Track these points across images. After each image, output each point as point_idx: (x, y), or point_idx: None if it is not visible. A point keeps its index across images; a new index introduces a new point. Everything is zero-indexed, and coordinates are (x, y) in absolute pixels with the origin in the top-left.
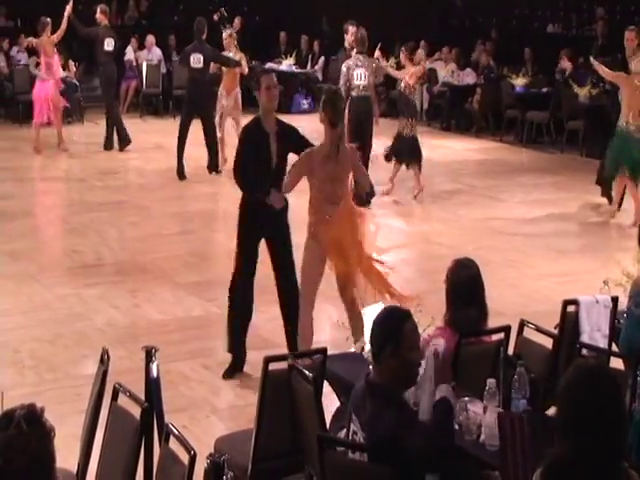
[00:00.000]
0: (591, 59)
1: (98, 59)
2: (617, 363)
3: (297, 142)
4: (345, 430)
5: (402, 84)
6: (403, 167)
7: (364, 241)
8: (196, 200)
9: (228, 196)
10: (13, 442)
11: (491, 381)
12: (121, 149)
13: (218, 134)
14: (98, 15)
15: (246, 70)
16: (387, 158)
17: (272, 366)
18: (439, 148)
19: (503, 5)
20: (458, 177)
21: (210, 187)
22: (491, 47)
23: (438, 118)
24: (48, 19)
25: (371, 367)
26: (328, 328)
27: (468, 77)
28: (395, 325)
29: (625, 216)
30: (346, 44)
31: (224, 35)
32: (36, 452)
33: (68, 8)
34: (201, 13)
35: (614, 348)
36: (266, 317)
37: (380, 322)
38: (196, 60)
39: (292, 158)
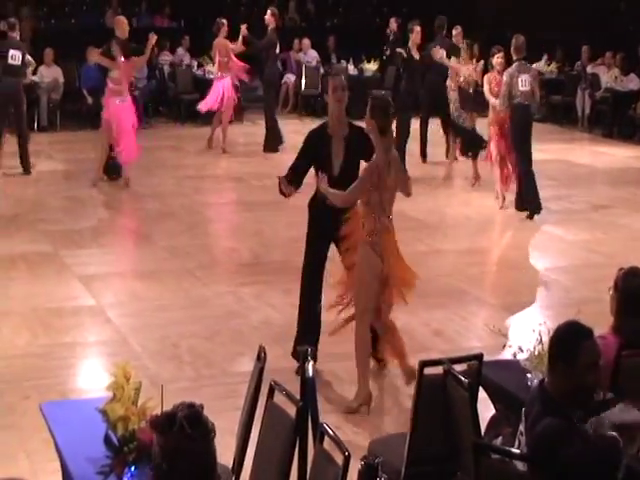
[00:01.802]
0: None
1: (263, 61)
2: None
3: (365, 148)
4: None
5: (461, 79)
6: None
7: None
8: None
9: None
10: (177, 446)
11: None
12: (272, 150)
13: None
14: (268, 17)
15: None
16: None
17: (427, 370)
18: (601, 155)
19: None
20: (620, 185)
21: None
22: None
23: (600, 124)
24: (224, 20)
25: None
26: (484, 334)
27: (632, 83)
28: (572, 342)
29: None
30: (410, 43)
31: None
32: (199, 453)
33: (243, 28)
34: (360, 15)
35: None
36: (420, 321)
37: (558, 335)
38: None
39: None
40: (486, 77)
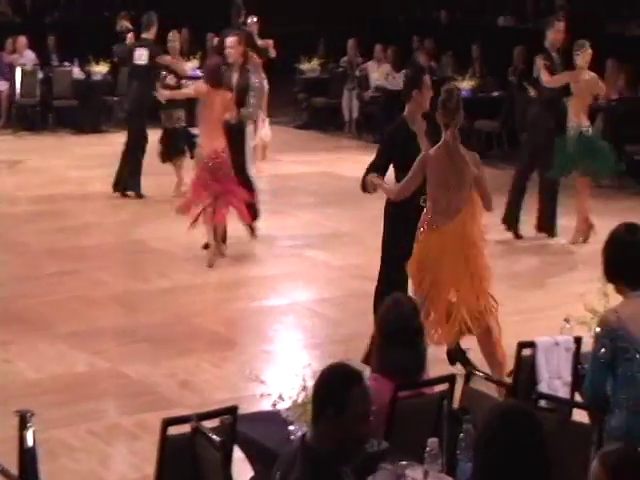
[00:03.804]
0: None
1: None
2: (581, 416)
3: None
4: None
5: None
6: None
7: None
8: (81, 233)
9: (122, 227)
10: None
11: (432, 440)
12: None
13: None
14: None
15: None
16: None
17: (172, 430)
18: None
19: None
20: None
21: (99, 217)
22: (430, 45)
23: (370, 129)
24: None
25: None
26: (239, 383)
27: None
28: (340, 389)
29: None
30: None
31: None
32: None
33: None
34: (85, 10)
35: (577, 398)
36: (165, 373)
37: (323, 381)
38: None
39: None
40: None
